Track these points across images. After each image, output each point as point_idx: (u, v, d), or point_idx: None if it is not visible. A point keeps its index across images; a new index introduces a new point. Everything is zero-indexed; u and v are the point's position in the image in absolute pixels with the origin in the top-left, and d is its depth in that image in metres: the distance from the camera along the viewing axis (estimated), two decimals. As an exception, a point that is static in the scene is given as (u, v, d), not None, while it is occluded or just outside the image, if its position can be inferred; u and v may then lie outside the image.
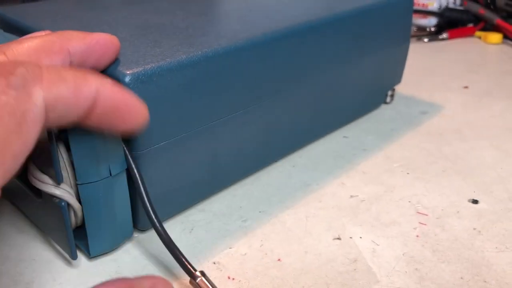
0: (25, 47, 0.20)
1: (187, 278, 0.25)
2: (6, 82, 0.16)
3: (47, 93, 0.18)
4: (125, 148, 0.26)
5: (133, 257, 0.28)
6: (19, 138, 0.16)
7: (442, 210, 0.32)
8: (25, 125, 0.16)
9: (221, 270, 0.27)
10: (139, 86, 0.25)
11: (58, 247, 0.28)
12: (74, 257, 0.26)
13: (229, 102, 0.30)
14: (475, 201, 0.33)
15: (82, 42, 0.23)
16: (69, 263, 0.28)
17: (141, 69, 0.25)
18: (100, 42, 0.24)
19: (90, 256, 0.27)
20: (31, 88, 0.17)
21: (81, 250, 0.28)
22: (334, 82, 0.38)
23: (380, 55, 0.42)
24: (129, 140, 0.26)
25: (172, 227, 0.30)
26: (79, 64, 0.23)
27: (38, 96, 0.17)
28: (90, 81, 0.19)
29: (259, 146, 0.34)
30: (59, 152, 0.24)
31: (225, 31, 0.31)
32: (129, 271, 0.27)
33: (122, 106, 0.21)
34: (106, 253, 0.28)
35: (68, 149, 0.24)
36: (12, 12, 0.34)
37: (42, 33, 0.23)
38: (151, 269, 0.27)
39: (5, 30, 0.32)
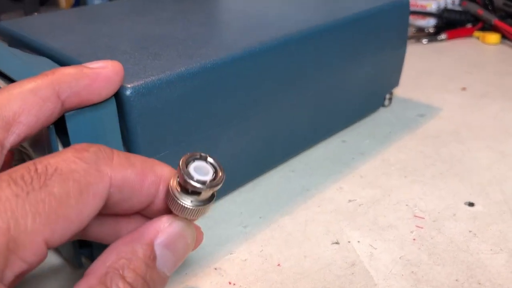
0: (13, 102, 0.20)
1: (190, 278, 0.26)
2: (80, 156, 0.17)
3: (115, 173, 0.18)
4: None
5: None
6: (76, 204, 0.17)
7: (439, 213, 0.33)
8: (86, 195, 0.17)
9: (222, 276, 0.28)
10: (139, 98, 0.26)
11: (64, 256, 0.29)
12: (80, 265, 0.27)
13: (228, 110, 0.31)
14: (471, 204, 0.34)
15: (75, 83, 0.22)
16: (74, 271, 0.28)
17: (141, 82, 0.26)
18: (101, 77, 0.23)
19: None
20: (101, 165, 0.18)
21: (86, 258, 0.29)
22: (332, 87, 0.39)
23: (377, 59, 0.43)
24: (130, 151, 0.27)
25: (175, 233, 0.31)
26: (78, 103, 0.22)
27: (106, 174, 0.18)
28: (156, 169, 0.20)
29: (258, 153, 0.35)
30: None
31: (224, 42, 0.32)
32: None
33: None
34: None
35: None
36: (16, 25, 0.35)
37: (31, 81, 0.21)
38: (155, 276, 0.28)
39: (9, 44, 0.33)
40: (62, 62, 0.29)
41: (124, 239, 0.19)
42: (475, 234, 0.31)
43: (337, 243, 0.30)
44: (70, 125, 0.23)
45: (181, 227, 0.20)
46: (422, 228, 0.32)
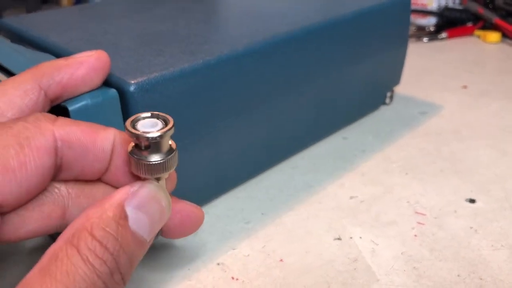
0: None
1: (193, 279, 0.26)
2: (21, 119, 0.18)
3: (58, 129, 0.19)
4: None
5: (141, 265, 0.29)
6: (16, 155, 0.17)
7: (440, 209, 0.33)
8: (27, 148, 0.18)
9: (225, 271, 0.28)
10: (143, 94, 0.26)
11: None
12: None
13: (231, 107, 0.31)
14: (472, 201, 0.34)
15: (57, 73, 0.22)
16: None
17: (145, 78, 0.26)
18: (84, 66, 0.23)
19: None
20: (41, 123, 0.19)
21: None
22: (333, 85, 0.39)
23: (379, 57, 0.43)
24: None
25: (177, 229, 0.31)
26: (62, 92, 0.23)
27: (47, 129, 0.18)
28: (105, 128, 0.20)
29: (261, 149, 0.35)
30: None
31: (225, 38, 0.32)
32: (136, 273, 0.28)
33: None
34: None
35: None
36: (18, 22, 0.35)
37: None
38: (159, 276, 0.28)
39: (12, 41, 0.34)
40: (65, 58, 0.29)
41: (93, 204, 0.19)
42: (476, 230, 0.31)
43: (339, 239, 0.31)
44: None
45: (152, 189, 0.20)
46: (423, 224, 0.32)
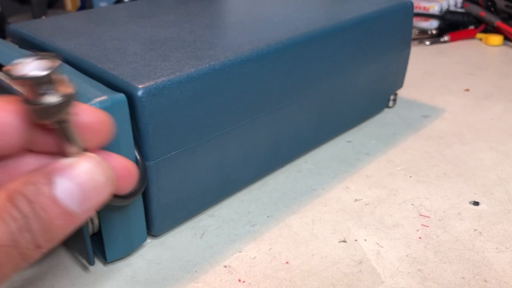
0: None
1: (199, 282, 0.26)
2: None
3: None
4: (138, 158, 0.27)
5: (147, 261, 0.29)
6: None
7: (444, 212, 0.33)
8: None
9: (232, 274, 0.28)
10: (150, 99, 0.26)
11: (76, 254, 0.30)
12: (92, 263, 0.27)
13: (236, 111, 0.31)
14: (476, 203, 0.34)
15: None
16: (86, 268, 0.29)
17: (152, 83, 0.26)
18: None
19: (107, 261, 0.29)
20: None
21: (97, 256, 0.29)
22: (337, 89, 0.39)
23: (382, 61, 0.43)
24: (141, 150, 0.27)
25: (184, 232, 0.32)
26: None
27: None
28: (8, 102, 0.19)
29: (265, 152, 0.35)
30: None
31: (231, 44, 0.32)
32: (143, 275, 0.28)
33: None
34: (122, 258, 0.29)
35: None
36: (26, 28, 0.36)
37: None
38: (165, 273, 0.28)
39: (20, 46, 0.34)
40: (73, 63, 0.30)
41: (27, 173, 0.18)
42: (480, 232, 0.31)
43: (344, 241, 0.31)
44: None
45: (89, 162, 0.19)
46: (427, 227, 0.32)
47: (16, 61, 0.17)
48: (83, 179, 0.18)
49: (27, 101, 0.18)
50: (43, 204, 0.17)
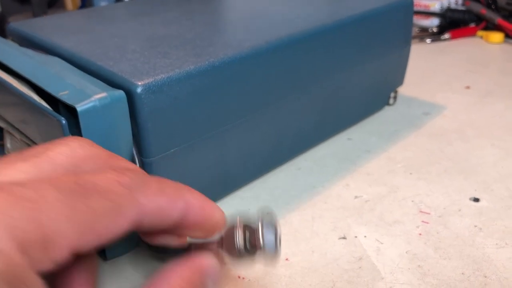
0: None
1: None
2: (119, 179, 0.18)
3: (148, 203, 0.18)
4: (135, 155, 0.27)
5: (147, 258, 0.29)
6: (108, 223, 0.17)
7: (444, 208, 0.33)
8: (119, 217, 0.17)
9: (231, 270, 0.28)
10: (150, 96, 0.26)
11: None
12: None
13: (237, 108, 0.31)
14: (476, 200, 0.34)
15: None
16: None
17: (152, 80, 0.26)
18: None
19: (107, 259, 0.29)
20: (136, 192, 0.18)
21: (98, 254, 0.29)
22: (337, 86, 0.39)
23: (382, 58, 0.43)
24: (140, 148, 0.27)
25: (184, 229, 0.32)
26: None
27: (140, 202, 0.18)
28: (187, 196, 0.20)
29: (266, 150, 0.35)
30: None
31: (230, 40, 0.32)
32: (144, 272, 0.28)
33: (208, 217, 0.21)
34: (121, 256, 0.29)
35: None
36: (26, 26, 0.36)
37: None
38: (165, 270, 0.28)
39: (20, 44, 0.34)
40: (73, 61, 0.30)
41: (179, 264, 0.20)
42: (480, 228, 0.31)
43: (344, 238, 0.31)
44: (82, 121, 0.24)
45: (215, 262, 0.20)
46: (428, 223, 0.32)
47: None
48: (217, 278, 0.20)
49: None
50: None
